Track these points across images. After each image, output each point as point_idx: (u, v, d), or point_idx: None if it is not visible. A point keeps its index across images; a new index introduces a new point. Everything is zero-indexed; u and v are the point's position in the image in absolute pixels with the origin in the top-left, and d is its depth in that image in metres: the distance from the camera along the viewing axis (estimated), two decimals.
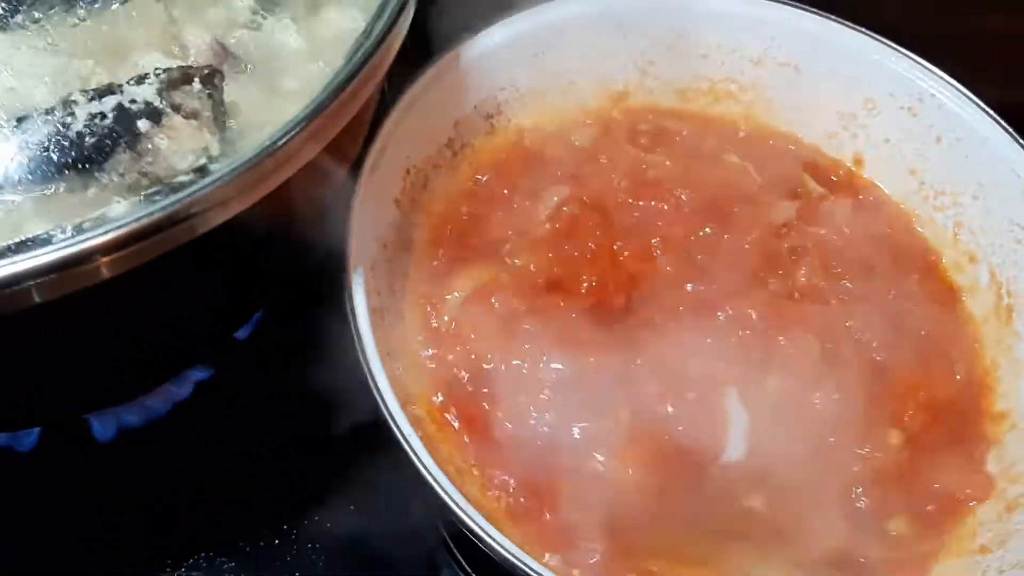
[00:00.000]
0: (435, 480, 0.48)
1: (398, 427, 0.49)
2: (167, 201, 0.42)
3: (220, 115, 0.47)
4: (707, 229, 0.62)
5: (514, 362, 0.55)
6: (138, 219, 0.42)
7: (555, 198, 0.62)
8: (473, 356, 0.57)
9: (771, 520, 0.53)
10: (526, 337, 0.56)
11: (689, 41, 0.70)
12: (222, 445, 0.63)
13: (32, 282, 0.40)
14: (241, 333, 0.63)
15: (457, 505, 0.48)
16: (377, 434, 0.63)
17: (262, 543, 0.61)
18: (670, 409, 0.55)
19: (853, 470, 0.55)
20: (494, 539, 0.47)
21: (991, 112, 0.65)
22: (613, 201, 0.63)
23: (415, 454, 0.48)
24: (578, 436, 0.53)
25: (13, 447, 0.60)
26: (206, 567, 0.60)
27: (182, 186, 0.43)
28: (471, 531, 0.48)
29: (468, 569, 0.61)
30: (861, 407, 0.57)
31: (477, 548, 0.57)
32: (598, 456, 0.54)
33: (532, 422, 0.54)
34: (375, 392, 0.50)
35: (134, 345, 0.54)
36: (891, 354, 0.59)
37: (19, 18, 0.49)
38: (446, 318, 0.59)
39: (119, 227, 0.41)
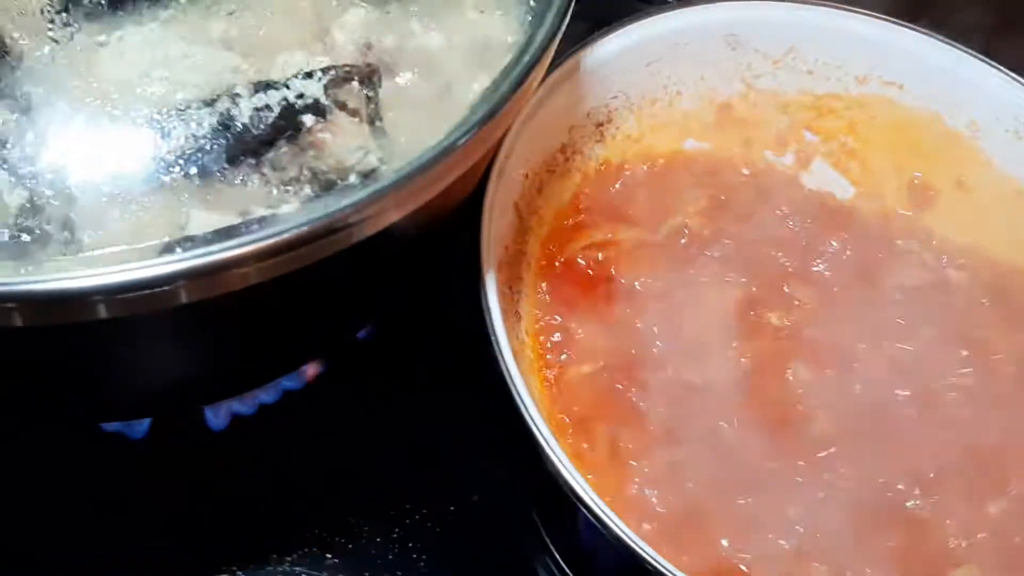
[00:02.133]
0: (578, 485, 0.48)
1: (535, 424, 0.49)
2: (333, 207, 0.42)
3: (376, 116, 0.47)
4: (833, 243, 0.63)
5: None
6: (298, 225, 0.41)
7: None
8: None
9: None
10: None
11: (796, 56, 0.70)
12: (329, 440, 0.63)
13: (183, 283, 0.40)
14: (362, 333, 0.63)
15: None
16: (478, 435, 0.64)
17: (364, 541, 0.61)
18: None
19: None
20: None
21: None
22: None
23: (558, 459, 0.48)
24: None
25: (125, 434, 0.60)
26: (310, 562, 0.60)
27: (348, 189, 0.43)
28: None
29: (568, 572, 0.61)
30: None
31: (576, 549, 0.59)
32: None
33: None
34: (513, 393, 0.50)
35: (260, 344, 0.54)
36: None
37: (171, 11, 0.49)
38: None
39: (278, 233, 0.41)
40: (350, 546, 0.61)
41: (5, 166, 0.43)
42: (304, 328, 0.53)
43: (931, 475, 0.55)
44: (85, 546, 0.59)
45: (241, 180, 0.44)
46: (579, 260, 0.62)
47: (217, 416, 0.60)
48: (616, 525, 0.46)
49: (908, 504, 0.54)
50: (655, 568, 0.45)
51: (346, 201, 0.41)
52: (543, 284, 0.60)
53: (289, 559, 0.60)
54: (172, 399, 0.56)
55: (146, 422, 0.60)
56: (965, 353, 0.60)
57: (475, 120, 0.43)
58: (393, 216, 0.44)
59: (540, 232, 0.62)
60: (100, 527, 0.59)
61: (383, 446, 0.63)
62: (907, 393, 0.58)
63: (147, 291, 0.40)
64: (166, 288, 0.40)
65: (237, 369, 0.55)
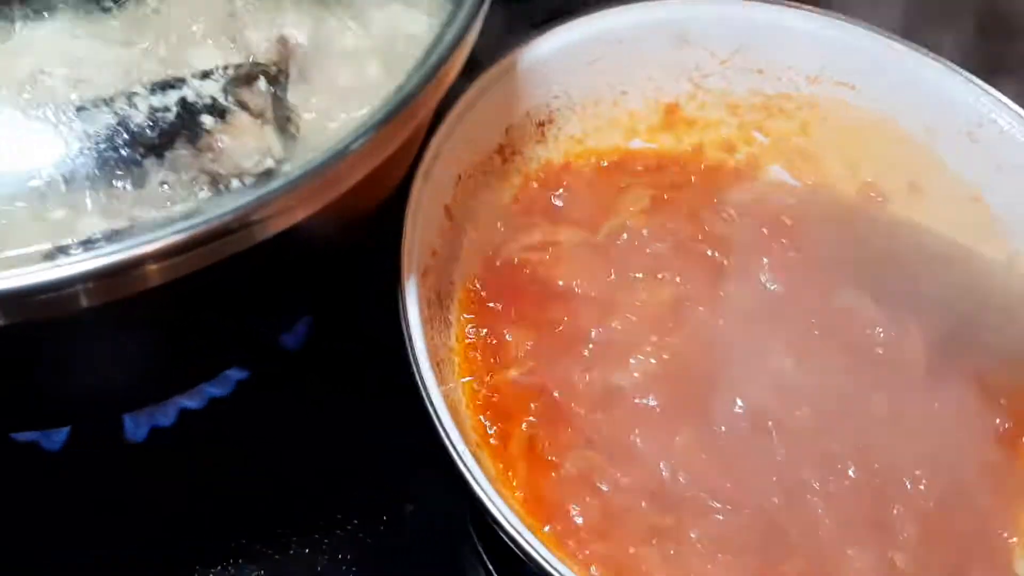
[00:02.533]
0: (486, 495, 0.46)
1: (450, 441, 0.48)
2: (229, 206, 0.40)
3: (284, 116, 0.45)
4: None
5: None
6: (196, 225, 0.40)
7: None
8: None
9: None
10: None
11: (746, 55, 0.68)
12: (254, 448, 0.61)
13: (82, 286, 0.38)
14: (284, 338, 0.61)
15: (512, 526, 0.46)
16: (414, 443, 0.63)
17: (292, 551, 0.59)
18: None
19: None
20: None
21: None
22: None
23: (469, 472, 0.47)
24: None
25: (40, 444, 0.59)
26: (233, 573, 0.58)
27: (245, 189, 0.42)
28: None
29: None
30: None
31: (508, 560, 0.57)
32: None
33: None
34: (427, 403, 0.48)
35: (176, 349, 0.52)
36: None
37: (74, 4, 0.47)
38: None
39: (176, 232, 0.39)
40: (276, 557, 0.59)
41: None
42: (218, 333, 0.52)
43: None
44: None
45: (136, 183, 0.42)
46: (515, 261, 0.60)
47: (137, 426, 0.58)
48: (520, 533, 0.45)
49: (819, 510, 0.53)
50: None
51: (239, 201, 0.40)
52: (477, 288, 0.58)
53: (212, 571, 0.58)
54: (86, 408, 0.54)
55: (64, 433, 0.58)
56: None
57: (374, 121, 0.41)
58: (297, 215, 0.42)
59: (475, 236, 0.60)
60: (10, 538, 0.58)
61: (312, 455, 0.61)
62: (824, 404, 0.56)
63: (45, 295, 0.38)
64: (64, 292, 0.38)
65: (152, 375, 0.53)
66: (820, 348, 0.57)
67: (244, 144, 0.43)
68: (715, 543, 0.50)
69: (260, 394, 0.62)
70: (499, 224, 0.61)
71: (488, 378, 0.57)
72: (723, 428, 0.54)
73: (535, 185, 0.64)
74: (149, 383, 0.54)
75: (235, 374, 0.61)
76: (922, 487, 0.53)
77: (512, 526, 0.45)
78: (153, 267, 0.40)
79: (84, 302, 0.39)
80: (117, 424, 0.59)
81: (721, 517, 0.51)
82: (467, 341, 0.57)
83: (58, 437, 0.58)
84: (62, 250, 0.40)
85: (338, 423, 0.62)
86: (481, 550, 0.60)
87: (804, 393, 0.55)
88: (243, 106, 0.43)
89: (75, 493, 0.59)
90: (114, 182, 0.42)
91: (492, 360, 0.57)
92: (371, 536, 0.60)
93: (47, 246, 0.41)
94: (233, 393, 0.62)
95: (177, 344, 0.52)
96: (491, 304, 0.58)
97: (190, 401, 0.59)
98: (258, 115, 0.44)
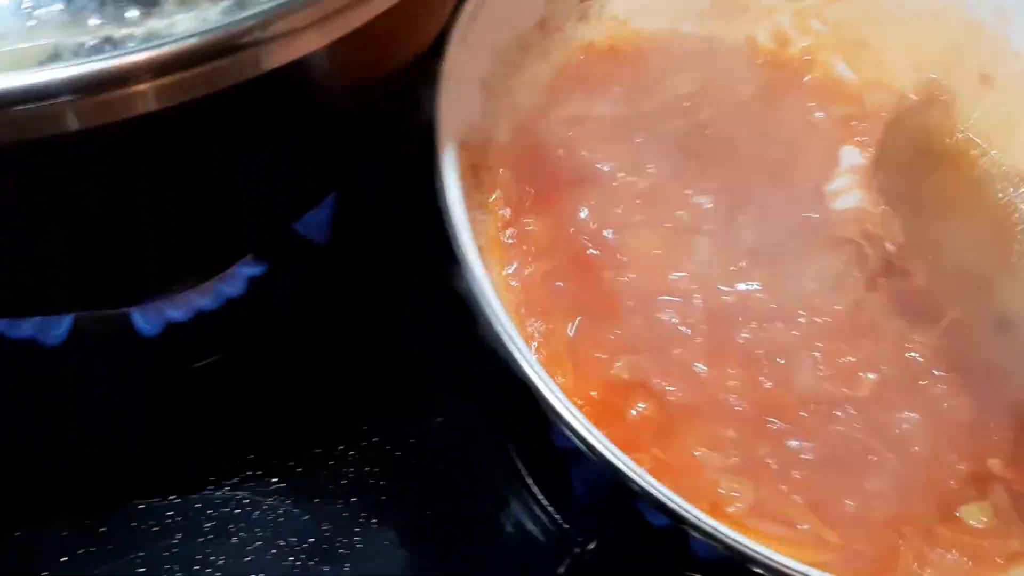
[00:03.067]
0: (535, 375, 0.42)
1: (509, 336, 0.42)
2: (233, 18, 0.35)
3: None
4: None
5: None
6: (196, 36, 0.34)
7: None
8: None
9: None
10: None
11: None
12: (272, 355, 0.57)
13: (68, 97, 0.33)
14: (302, 226, 0.56)
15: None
16: (450, 343, 0.58)
17: (314, 464, 0.54)
18: None
19: None
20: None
21: None
22: None
23: (533, 371, 0.42)
24: None
25: (37, 340, 0.54)
26: (254, 486, 0.53)
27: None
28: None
29: (541, 500, 0.55)
30: None
31: (551, 475, 0.53)
32: None
33: None
34: (476, 295, 0.43)
35: (179, 216, 0.46)
36: None
37: None
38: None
39: (173, 42, 0.34)
40: (299, 469, 0.54)
41: None
42: (225, 196, 0.46)
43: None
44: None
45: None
46: (551, 140, 0.55)
47: (148, 321, 0.53)
48: (580, 424, 0.40)
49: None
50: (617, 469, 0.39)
51: (250, 11, 0.34)
52: (510, 169, 0.53)
53: (229, 483, 0.53)
54: (80, 289, 0.49)
55: (64, 326, 0.53)
56: None
57: None
58: (312, 41, 0.37)
59: (510, 117, 0.55)
60: (14, 445, 0.53)
61: (335, 362, 0.57)
62: None
63: (32, 104, 0.33)
64: (51, 103, 0.33)
65: (152, 250, 0.47)
66: None
67: None
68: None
69: (277, 295, 0.57)
70: (536, 103, 0.56)
71: (526, 270, 0.52)
72: None
73: (575, 65, 0.59)
74: (150, 260, 0.49)
75: (247, 270, 0.56)
76: None
77: (582, 425, 0.40)
78: (148, 85, 0.34)
79: (72, 121, 0.34)
80: (125, 320, 0.54)
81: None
82: (500, 228, 0.52)
83: (57, 331, 0.53)
84: (53, 57, 0.35)
85: (362, 329, 0.58)
86: (518, 462, 0.56)
87: None
88: None
89: (76, 395, 0.54)
90: None
91: (525, 249, 0.52)
92: (399, 448, 0.55)
93: (40, 46, 0.35)
94: (248, 293, 0.57)
95: (179, 212, 0.46)
96: (526, 188, 0.53)
97: (204, 300, 0.54)
98: None
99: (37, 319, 0.53)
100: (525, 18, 0.57)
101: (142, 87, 0.34)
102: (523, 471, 0.55)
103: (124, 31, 0.35)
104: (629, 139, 0.55)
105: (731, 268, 0.51)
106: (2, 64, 0.34)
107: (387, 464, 0.55)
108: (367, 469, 0.54)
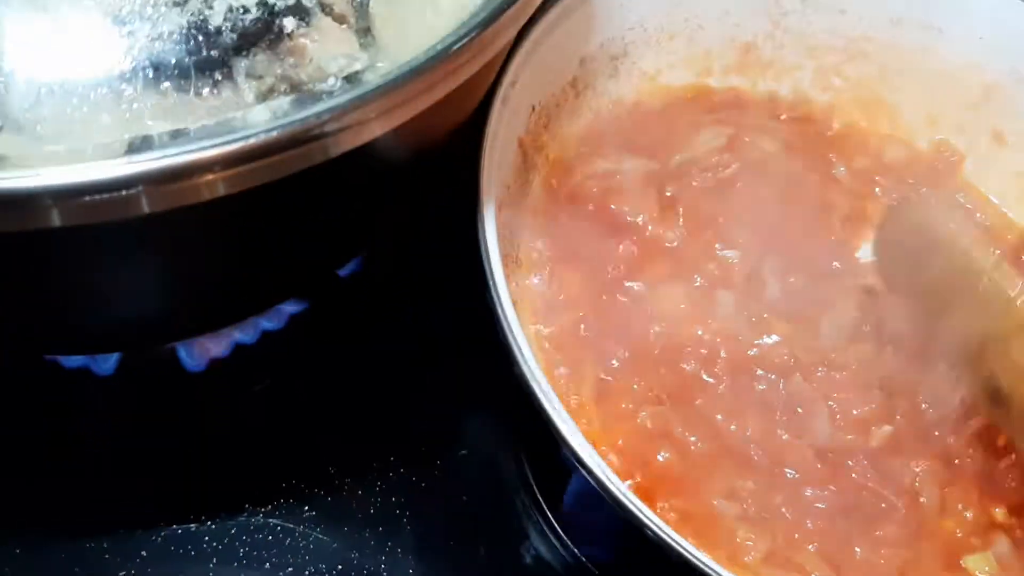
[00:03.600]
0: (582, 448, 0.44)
1: (540, 389, 0.45)
2: (305, 112, 0.38)
3: (364, 23, 0.42)
4: None
5: None
6: (267, 131, 0.37)
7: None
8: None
9: None
10: None
11: None
12: (308, 386, 0.59)
13: (142, 188, 0.35)
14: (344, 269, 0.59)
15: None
16: (469, 385, 0.60)
17: (344, 494, 0.57)
18: None
19: None
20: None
21: None
22: None
23: (562, 421, 0.44)
24: None
25: (91, 369, 0.56)
26: (285, 513, 0.56)
27: (327, 96, 0.39)
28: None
29: (562, 535, 0.57)
30: None
31: (570, 512, 0.55)
32: None
33: None
34: (513, 347, 0.45)
35: (231, 273, 0.49)
36: None
37: None
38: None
39: (245, 137, 0.37)
40: (329, 499, 0.57)
41: None
42: (279, 257, 0.49)
43: None
44: (48, 488, 0.55)
45: (211, 89, 0.40)
46: (580, 193, 0.57)
47: (191, 356, 0.56)
48: (604, 474, 0.42)
49: None
50: (640, 521, 0.41)
51: (324, 106, 0.37)
52: (543, 224, 0.56)
53: (263, 509, 0.56)
54: (135, 333, 0.51)
55: (113, 358, 0.56)
56: None
57: (471, 25, 0.39)
58: (377, 128, 0.39)
59: (543, 172, 0.58)
60: (62, 468, 0.56)
61: (366, 394, 0.59)
62: None
63: (103, 195, 0.35)
64: (123, 193, 0.36)
65: (206, 302, 0.50)
66: None
67: (329, 49, 0.40)
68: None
69: (314, 329, 0.60)
70: (567, 157, 0.58)
71: (556, 318, 0.54)
72: None
73: (604, 120, 0.61)
74: (200, 311, 0.52)
75: (289, 307, 0.58)
76: None
77: (609, 480, 0.42)
78: (219, 175, 0.37)
79: (144, 207, 0.37)
80: (171, 353, 0.56)
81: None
82: (531, 276, 0.55)
83: (107, 364, 0.56)
84: (130, 149, 0.37)
85: (394, 362, 0.60)
86: (540, 497, 0.58)
87: None
88: (327, 9, 0.41)
89: (123, 421, 0.57)
90: (187, 89, 0.40)
91: (554, 298, 0.54)
92: (424, 479, 0.58)
93: (116, 141, 0.38)
94: (287, 327, 0.59)
95: (235, 269, 0.49)
96: (558, 239, 0.56)
97: (243, 335, 0.57)
98: (341, 20, 0.41)
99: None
100: (560, 77, 0.59)
101: (212, 177, 0.36)
102: (544, 507, 0.57)
103: (198, 121, 0.37)
104: (658, 192, 0.57)
105: (753, 319, 0.53)
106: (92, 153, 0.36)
107: (413, 495, 0.57)
108: (393, 499, 0.57)
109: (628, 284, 0.54)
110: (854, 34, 0.66)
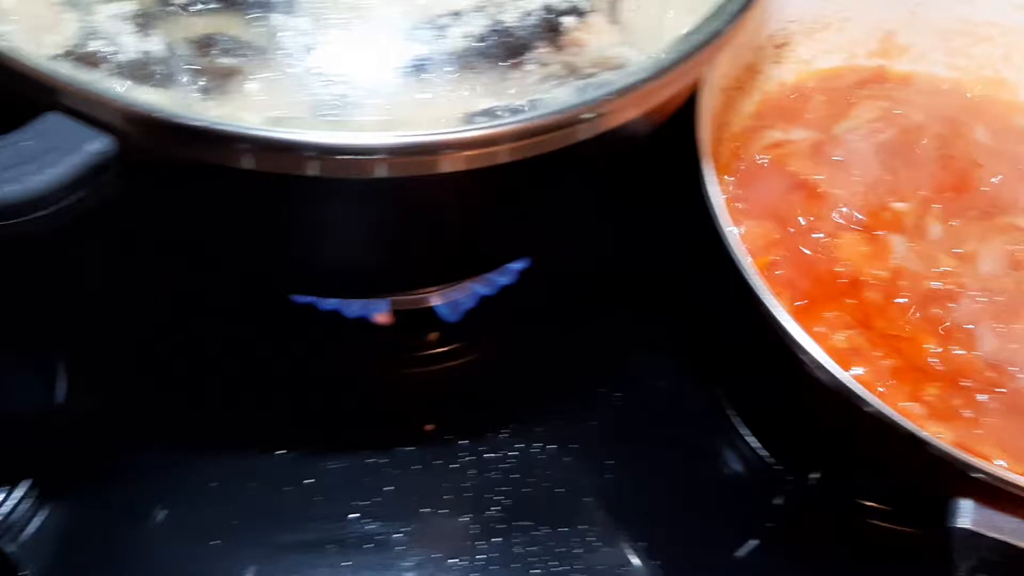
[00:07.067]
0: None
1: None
2: (582, 98, 0.48)
3: (616, 15, 0.53)
4: None
5: None
6: (554, 111, 0.47)
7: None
8: None
9: None
10: None
11: None
12: (530, 329, 0.70)
13: (505, 145, 0.46)
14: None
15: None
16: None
17: (571, 410, 0.67)
18: None
19: None
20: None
21: None
22: None
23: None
24: None
25: (341, 312, 0.67)
26: (508, 440, 0.66)
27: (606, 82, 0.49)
28: None
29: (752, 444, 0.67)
30: None
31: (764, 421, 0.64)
32: None
33: None
34: (747, 277, 0.55)
35: (483, 232, 0.59)
36: None
37: None
38: None
39: (539, 116, 0.47)
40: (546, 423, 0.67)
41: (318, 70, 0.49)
42: (521, 221, 0.59)
43: None
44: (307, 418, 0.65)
45: (512, 74, 0.51)
46: (757, 159, 0.67)
47: (449, 308, 0.67)
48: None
49: None
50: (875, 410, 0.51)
51: (603, 91, 0.47)
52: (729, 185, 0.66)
53: (505, 433, 0.66)
54: (384, 280, 0.62)
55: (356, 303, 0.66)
56: None
57: (733, 9, 0.49)
58: (633, 112, 0.49)
59: (730, 145, 0.68)
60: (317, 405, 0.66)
61: (583, 343, 0.70)
62: None
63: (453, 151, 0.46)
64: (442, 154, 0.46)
65: (456, 255, 0.60)
66: None
67: (598, 40, 0.51)
68: None
69: (539, 283, 0.70)
70: (745, 130, 0.68)
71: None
72: None
73: (772, 99, 0.71)
74: (459, 262, 0.62)
75: (517, 265, 0.69)
76: None
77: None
78: (515, 143, 0.47)
79: (451, 167, 0.47)
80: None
81: None
82: None
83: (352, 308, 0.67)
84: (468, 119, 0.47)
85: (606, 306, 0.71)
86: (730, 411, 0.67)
87: None
88: (594, 8, 0.51)
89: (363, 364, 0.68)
90: (494, 72, 0.51)
91: (747, 246, 0.64)
92: (620, 400, 0.68)
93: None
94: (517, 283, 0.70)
95: (486, 229, 0.59)
96: (747, 198, 0.66)
97: (484, 288, 0.68)
98: (603, 14, 0.52)
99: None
100: (740, 64, 0.70)
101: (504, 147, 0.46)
102: (735, 419, 0.67)
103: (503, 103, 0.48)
104: (827, 156, 0.67)
105: (923, 258, 0.63)
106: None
107: (610, 412, 0.67)
108: (591, 423, 0.67)
109: (814, 236, 0.64)
110: (980, 19, 0.75)
